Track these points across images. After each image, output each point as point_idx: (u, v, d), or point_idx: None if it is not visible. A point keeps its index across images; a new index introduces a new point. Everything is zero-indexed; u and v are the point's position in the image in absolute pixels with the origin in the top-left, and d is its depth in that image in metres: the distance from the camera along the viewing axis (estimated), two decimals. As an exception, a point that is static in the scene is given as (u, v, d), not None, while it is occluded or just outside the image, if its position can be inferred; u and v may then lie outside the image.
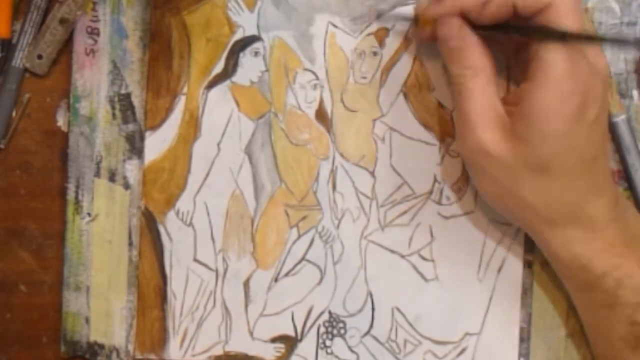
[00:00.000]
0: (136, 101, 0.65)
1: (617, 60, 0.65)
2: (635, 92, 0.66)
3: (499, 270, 0.66)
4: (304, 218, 0.66)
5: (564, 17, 0.56)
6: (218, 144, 0.65)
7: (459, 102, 0.60)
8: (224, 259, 0.66)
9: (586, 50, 0.58)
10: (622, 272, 0.59)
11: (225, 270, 0.66)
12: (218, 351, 0.66)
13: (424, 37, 0.64)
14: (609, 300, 0.60)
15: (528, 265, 0.65)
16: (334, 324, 0.66)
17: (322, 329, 0.66)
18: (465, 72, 0.59)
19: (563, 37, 0.56)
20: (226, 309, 0.66)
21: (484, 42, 0.59)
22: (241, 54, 0.65)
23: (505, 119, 0.59)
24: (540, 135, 0.57)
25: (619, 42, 0.56)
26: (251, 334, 0.66)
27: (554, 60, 0.56)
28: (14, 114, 0.66)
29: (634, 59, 0.65)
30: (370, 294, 0.66)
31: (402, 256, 0.66)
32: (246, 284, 0.66)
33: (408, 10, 0.65)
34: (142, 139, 0.65)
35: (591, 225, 0.59)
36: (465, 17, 0.59)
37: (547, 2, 0.56)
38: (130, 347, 0.66)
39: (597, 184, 0.59)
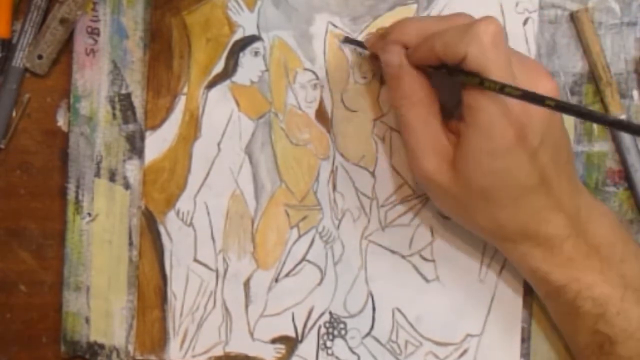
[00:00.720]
0: (136, 101, 0.65)
1: (618, 60, 0.65)
2: (635, 92, 0.66)
3: (500, 270, 0.65)
4: (304, 218, 0.66)
5: (482, 65, 0.55)
6: (218, 144, 0.65)
7: (401, 131, 0.61)
8: (224, 259, 0.66)
9: (526, 77, 0.57)
10: (581, 284, 0.59)
11: (226, 271, 0.66)
12: (218, 352, 0.66)
13: (375, 65, 0.65)
14: (570, 310, 0.60)
15: (529, 265, 0.65)
16: (335, 324, 0.66)
17: (323, 330, 0.66)
18: (403, 102, 0.60)
19: (480, 83, 0.56)
20: (226, 309, 0.66)
21: (424, 75, 0.60)
22: (241, 54, 0.65)
23: (449, 150, 0.59)
24: (478, 172, 0.57)
25: (533, 98, 0.55)
26: (251, 334, 0.66)
27: (482, 106, 0.56)
28: (14, 114, 0.66)
29: (634, 59, 0.65)
30: (371, 295, 0.66)
31: (403, 256, 0.66)
32: (246, 284, 0.66)
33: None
34: (143, 139, 0.65)
35: (547, 243, 0.59)
36: None
37: (464, 53, 0.56)
38: (130, 348, 0.66)
39: (549, 203, 0.59)
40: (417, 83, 0.59)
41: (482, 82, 0.55)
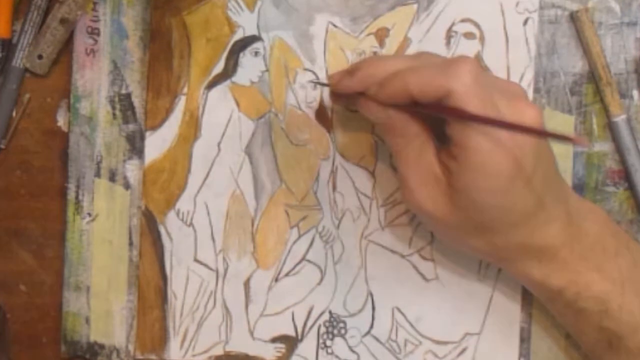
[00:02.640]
0: (136, 101, 0.65)
1: (617, 60, 0.66)
2: (635, 92, 0.66)
3: (500, 270, 0.65)
4: (304, 218, 0.66)
5: (466, 101, 0.55)
6: (218, 144, 0.65)
7: (397, 166, 0.60)
8: (224, 259, 0.66)
9: (509, 108, 0.56)
10: (579, 285, 0.59)
11: (226, 270, 0.66)
12: (218, 351, 0.66)
13: (341, 103, 0.64)
14: (573, 311, 0.60)
15: (528, 265, 0.65)
16: (335, 323, 0.66)
17: (323, 329, 0.66)
18: (398, 140, 0.59)
19: (468, 118, 0.55)
20: (226, 309, 0.66)
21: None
22: (241, 54, 0.65)
23: (442, 181, 0.58)
24: (477, 208, 0.57)
25: (520, 128, 0.54)
26: (252, 334, 0.66)
27: (472, 145, 0.56)
28: (14, 114, 0.66)
29: (634, 58, 0.65)
30: (371, 294, 0.66)
31: (403, 256, 0.66)
32: (246, 284, 0.66)
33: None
34: (143, 139, 0.65)
35: (542, 254, 0.59)
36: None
37: (445, 91, 0.55)
38: (131, 347, 0.66)
39: (543, 218, 0.59)
40: (407, 120, 0.59)
41: (467, 117, 0.55)
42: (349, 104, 0.65)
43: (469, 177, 0.56)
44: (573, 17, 0.65)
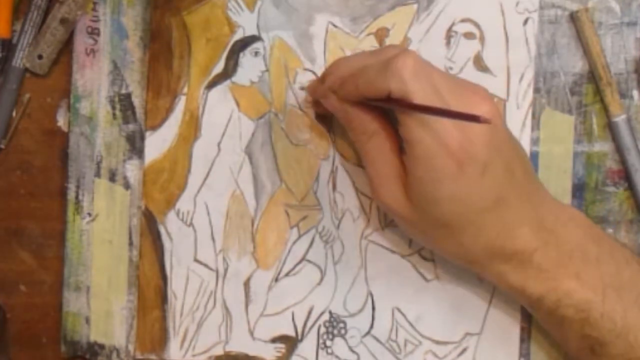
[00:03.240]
0: (136, 101, 0.66)
1: (617, 60, 0.66)
2: (635, 92, 0.66)
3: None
4: (304, 218, 0.66)
5: (406, 97, 0.56)
6: (218, 144, 0.66)
7: (363, 162, 0.62)
8: (224, 259, 0.66)
9: (460, 101, 0.57)
10: (559, 293, 0.59)
11: (226, 270, 0.66)
12: (218, 351, 0.66)
13: (322, 110, 0.65)
14: (555, 318, 0.60)
15: (528, 265, 0.65)
16: (335, 324, 0.66)
17: (323, 329, 0.66)
18: (360, 137, 0.60)
19: (407, 107, 0.56)
20: (226, 309, 0.66)
21: (373, 109, 0.60)
22: (241, 54, 0.66)
23: (403, 180, 0.59)
24: (428, 201, 0.58)
25: (463, 116, 0.54)
26: (252, 334, 0.66)
27: (418, 138, 0.56)
28: (14, 113, 0.66)
29: (634, 58, 0.66)
30: (371, 294, 0.66)
31: (403, 256, 0.66)
32: (246, 284, 0.66)
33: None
34: (143, 139, 0.66)
35: (516, 258, 0.59)
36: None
37: (387, 90, 0.56)
38: (131, 347, 0.66)
39: (509, 220, 0.58)
40: (367, 118, 0.60)
41: (411, 107, 0.56)
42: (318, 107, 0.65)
43: (417, 169, 0.57)
44: (573, 17, 0.65)
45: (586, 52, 0.65)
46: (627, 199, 0.66)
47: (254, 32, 0.65)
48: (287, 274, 0.66)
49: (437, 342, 0.66)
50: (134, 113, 0.66)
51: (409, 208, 0.59)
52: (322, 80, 0.63)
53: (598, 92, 0.65)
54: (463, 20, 0.66)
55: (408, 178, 0.58)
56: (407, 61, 0.56)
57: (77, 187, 0.66)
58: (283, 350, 0.66)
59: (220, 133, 0.66)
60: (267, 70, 0.66)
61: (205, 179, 0.66)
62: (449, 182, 0.56)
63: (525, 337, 0.66)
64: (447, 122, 0.55)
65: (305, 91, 0.65)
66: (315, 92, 0.64)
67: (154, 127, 0.65)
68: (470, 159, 0.56)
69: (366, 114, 0.60)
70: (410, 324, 0.66)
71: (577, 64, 0.66)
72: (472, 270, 0.62)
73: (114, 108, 0.66)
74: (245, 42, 0.66)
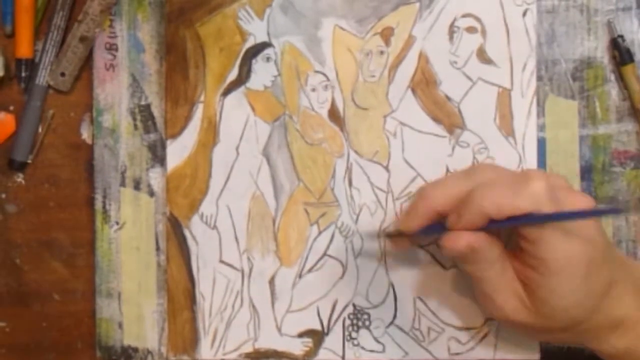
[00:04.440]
0: (156, 111, 0.68)
1: None
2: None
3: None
4: (323, 215, 0.68)
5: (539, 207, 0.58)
6: (236, 148, 0.67)
7: (478, 287, 0.62)
8: (248, 259, 0.68)
9: (568, 201, 0.59)
10: None
11: (251, 270, 0.68)
12: (248, 348, 0.68)
13: (403, 247, 0.66)
14: None
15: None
16: (359, 316, 0.68)
17: (348, 322, 0.68)
18: (481, 266, 0.60)
19: (549, 218, 0.57)
20: (253, 307, 0.68)
21: (489, 234, 0.60)
22: (254, 61, 0.68)
23: (521, 289, 0.60)
24: (557, 309, 0.59)
25: (601, 213, 0.58)
26: (279, 330, 0.68)
27: (552, 255, 0.58)
28: (39, 129, 0.68)
29: None
30: (392, 285, 0.67)
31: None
32: (271, 281, 0.68)
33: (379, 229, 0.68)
34: (164, 147, 0.67)
35: (622, 324, 0.61)
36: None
37: (522, 210, 0.57)
38: (163, 349, 0.68)
39: (617, 292, 0.60)
40: (490, 246, 0.60)
41: (549, 217, 0.58)
42: (415, 241, 0.66)
43: (551, 286, 0.58)
44: (620, 72, 0.67)
45: (632, 101, 0.68)
46: (635, 178, 0.67)
47: (265, 39, 0.67)
48: (309, 270, 0.68)
49: (459, 329, 0.67)
50: (154, 123, 0.68)
51: (528, 316, 0.60)
52: (409, 214, 0.63)
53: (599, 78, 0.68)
54: (464, 16, 0.67)
55: (538, 293, 0.59)
56: (541, 180, 0.58)
57: (104, 197, 0.67)
58: (310, 345, 0.68)
59: (238, 137, 0.67)
60: (279, 74, 0.68)
61: (226, 182, 0.67)
62: (578, 287, 0.58)
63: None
64: (573, 235, 0.58)
65: (400, 229, 0.64)
66: (409, 227, 0.62)
67: (174, 136, 0.67)
68: (596, 253, 0.58)
69: (488, 243, 0.60)
70: (432, 312, 0.67)
71: (577, 51, 0.67)
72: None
73: (134, 119, 0.68)
74: (257, 49, 0.68)
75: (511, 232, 0.62)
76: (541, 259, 0.58)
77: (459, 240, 0.59)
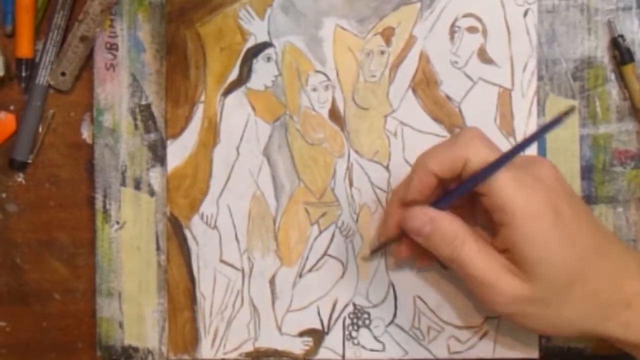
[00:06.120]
0: (156, 111, 0.68)
1: None
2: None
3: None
4: (323, 214, 0.68)
5: (484, 157, 0.58)
6: (237, 148, 0.68)
7: (464, 275, 0.60)
8: (249, 259, 0.68)
9: (528, 174, 0.59)
10: None
11: (251, 269, 0.68)
12: (248, 348, 0.68)
13: (405, 254, 0.65)
14: None
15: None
16: (359, 315, 0.68)
17: (348, 321, 0.68)
18: (455, 244, 0.60)
19: (499, 163, 0.58)
20: (254, 306, 0.68)
21: (451, 212, 0.61)
22: (254, 61, 0.68)
23: (509, 263, 0.59)
24: (540, 263, 0.58)
25: (551, 124, 0.57)
26: (279, 329, 0.68)
27: (512, 200, 0.58)
28: (40, 129, 0.68)
29: None
30: (392, 284, 0.68)
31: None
32: (272, 281, 0.68)
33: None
34: (164, 147, 0.68)
35: (638, 302, 0.60)
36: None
37: (463, 160, 0.59)
38: (164, 349, 0.68)
39: (615, 265, 0.60)
40: (454, 221, 0.60)
41: (499, 161, 0.58)
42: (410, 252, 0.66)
43: (523, 232, 0.58)
44: (621, 73, 0.67)
45: (632, 101, 0.68)
46: (635, 177, 0.67)
47: (265, 38, 0.67)
48: (310, 270, 0.68)
49: (459, 327, 0.68)
50: (154, 123, 0.68)
51: (527, 288, 0.59)
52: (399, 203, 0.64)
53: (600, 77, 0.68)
54: (465, 16, 0.67)
55: (515, 252, 0.58)
56: (474, 131, 0.59)
57: (104, 196, 0.68)
58: (311, 344, 0.68)
59: (239, 137, 0.68)
60: (280, 74, 0.68)
61: (226, 182, 0.68)
62: (552, 231, 0.58)
63: (545, 317, 0.67)
64: (525, 175, 0.58)
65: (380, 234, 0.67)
66: (385, 226, 0.65)
67: (175, 135, 0.67)
68: (558, 198, 0.58)
69: (452, 217, 0.60)
70: (432, 311, 0.68)
71: (577, 51, 0.67)
72: (595, 335, 0.61)
73: (135, 119, 0.68)
74: (258, 49, 0.68)
75: (480, 210, 0.62)
76: (504, 209, 0.58)
77: (420, 216, 0.60)
